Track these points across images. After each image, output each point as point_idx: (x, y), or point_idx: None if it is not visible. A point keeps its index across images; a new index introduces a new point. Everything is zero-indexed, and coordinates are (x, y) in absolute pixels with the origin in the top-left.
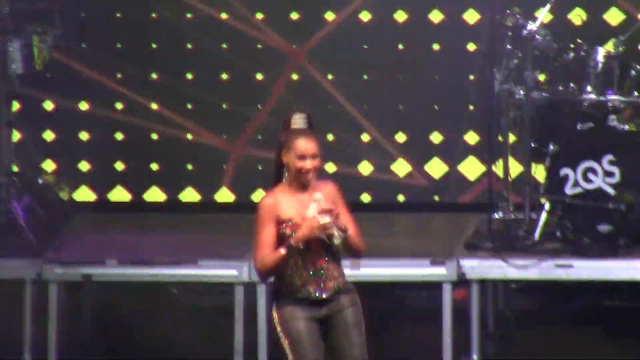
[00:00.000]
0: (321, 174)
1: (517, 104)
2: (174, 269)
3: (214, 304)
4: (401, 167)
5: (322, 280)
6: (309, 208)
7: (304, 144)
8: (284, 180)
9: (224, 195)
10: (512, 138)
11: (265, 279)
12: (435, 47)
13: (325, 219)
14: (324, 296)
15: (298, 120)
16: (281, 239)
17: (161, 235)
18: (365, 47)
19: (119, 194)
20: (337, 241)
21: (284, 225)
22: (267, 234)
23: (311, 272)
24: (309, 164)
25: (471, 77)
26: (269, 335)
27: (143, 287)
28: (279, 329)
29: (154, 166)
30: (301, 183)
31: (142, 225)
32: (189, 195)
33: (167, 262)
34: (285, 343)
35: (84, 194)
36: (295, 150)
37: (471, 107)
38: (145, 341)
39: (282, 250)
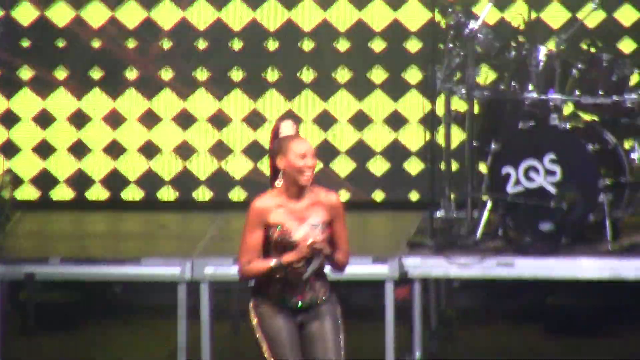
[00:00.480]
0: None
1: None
2: (117, 268)
3: (157, 302)
4: (344, 166)
5: (301, 290)
6: (301, 228)
7: (303, 144)
8: (276, 185)
9: (167, 193)
10: (454, 136)
11: (246, 282)
12: (377, 46)
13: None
14: (300, 305)
15: (286, 127)
16: (268, 243)
17: (104, 233)
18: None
19: (62, 192)
20: (305, 275)
21: (272, 229)
22: (254, 238)
23: (292, 281)
24: (309, 161)
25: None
26: (211, 333)
27: (86, 285)
28: (256, 326)
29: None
30: (300, 186)
31: (85, 223)
32: (133, 193)
33: (110, 261)
34: (262, 341)
35: (26, 193)
36: (294, 151)
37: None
38: (88, 340)
39: (271, 263)
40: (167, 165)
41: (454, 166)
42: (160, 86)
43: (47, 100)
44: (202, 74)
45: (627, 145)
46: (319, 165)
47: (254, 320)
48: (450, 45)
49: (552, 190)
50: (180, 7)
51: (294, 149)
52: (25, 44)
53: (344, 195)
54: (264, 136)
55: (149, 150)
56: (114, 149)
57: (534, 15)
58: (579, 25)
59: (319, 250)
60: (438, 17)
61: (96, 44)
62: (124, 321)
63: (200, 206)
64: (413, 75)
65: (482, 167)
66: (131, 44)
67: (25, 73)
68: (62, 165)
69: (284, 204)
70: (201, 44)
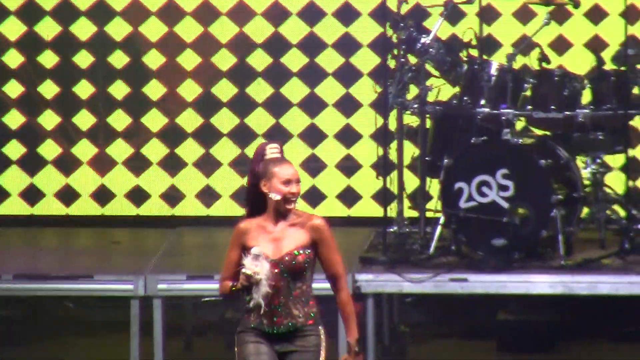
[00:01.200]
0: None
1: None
2: (70, 284)
3: (110, 319)
4: None
5: (276, 315)
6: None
7: (288, 170)
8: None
9: (124, 207)
10: (407, 151)
11: (227, 300)
12: (329, 61)
13: (247, 271)
14: (274, 331)
15: (273, 151)
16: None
17: (57, 249)
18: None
19: (13, 207)
20: (251, 304)
21: (247, 252)
22: (231, 257)
23: (269, 305)
24: (294, 188)
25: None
26: (164, 350)
27: (39, 302)
28: (235, 352)
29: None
30: (282, 212)
31: (38, 239)
32: (85, 208)
33: (63, 277)
34: None
35: None
36: (279, 176)
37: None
38: (41, 356)
39: (229, 285)
40: (121, 180)
41: (407, 181)
42: (114, 102)
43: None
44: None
45: (579, 160)
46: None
47: (236, 349)
48: (402, 60)
49: (505, 205)
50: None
51: (280, 174)
52: None
53: None
54: (216, 151)
55: (103, 164)
56: (67, 163)
57: (485, 30)
58: (530, 39)
59: (256, 281)
60: (390, 31)
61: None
62: (76, 337)
63: (153, 222)
64: (365, 90)
65: (435, 183)
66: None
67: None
68: (14, 180)
69: (264, 228)
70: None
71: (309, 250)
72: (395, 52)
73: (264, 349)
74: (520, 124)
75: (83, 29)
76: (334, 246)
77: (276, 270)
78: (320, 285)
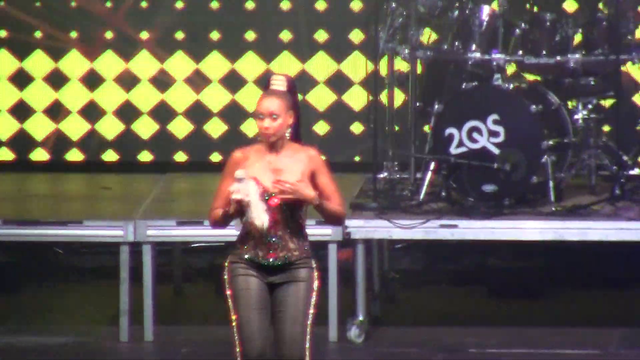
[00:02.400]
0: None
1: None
2: (59, 229)
3: (99, 264)
4: None
5: (272, 247)
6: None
7: (266, 103)
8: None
9: (110, 155)
10: (397, 97)
11: (215, 228)
12: (320, 7)
13: (237, 195)
14: (269, 263)
15: (275, 82)
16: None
17: (46, 194)
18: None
19: (3, 154)
20: (263, 224)
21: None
22: (225, 186)
23: (265, 237)
24: (266, 122)
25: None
26: (154, 295)
27: (28, 247)
28: (226, 282)
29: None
30: (266, 144)
31: (27, 184)
32: (74, 154)
33: (52, 222)
34: (230, 298)
35: None
36: (257, 109)
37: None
38: (30, 302)
39: (220, 211)
40: (110, 127)
41: (397, 127)
42: (104, 45)
43: None
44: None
45: (570, 105)
46: None
47: (225, 277)
48: (393, 5)
49: (495, 151)
50: None
51: (258, 106)
52: None
53: None
54: (205, 98)
55: (92, 111)
56: (57, 110)
57: None
58: None
59: (247, 204)
60: None
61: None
62: (66, 283)
63: (143, 168)
64: (355, 35)
65: (426, 128)
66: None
67: None
68: (4, 127)
69: (261, 157)
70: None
71: (309, 179)
72: None
73: (253, 283)
74: (511, 70)
75: None
76: (329, 176)
77: (276, 200)
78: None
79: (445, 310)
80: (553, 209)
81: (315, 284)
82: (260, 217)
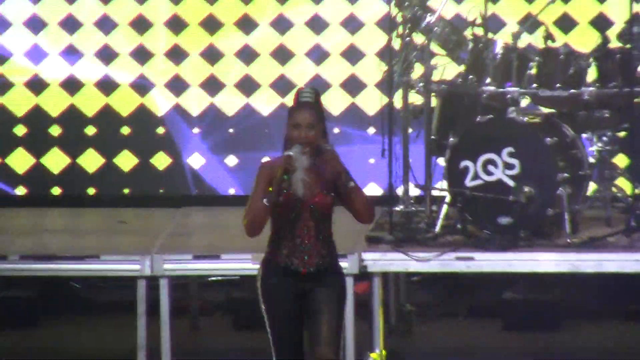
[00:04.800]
0: None
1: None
2: (76, 264)
3: (116, 299)
4: None
5: (307, 254)
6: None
7: (299, 114)
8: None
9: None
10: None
11: (250, 233)
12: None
13: (294, 152)
14: (304, 271)
15: (303, 94)
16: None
17: (63, 229)
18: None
19: (20, 188)
20: (298, 191)
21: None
22: (257, 190)
23: (299, 244)
24: (303, 132)
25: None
26: (172, 330)
27: (45, 282)
28: (260, 299)
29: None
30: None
31: (44, 219)
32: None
33: (70, 257)
34: (264, 313)
35: None
36: (291, 120)
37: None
38: (48, 336)
39: (264, 200)
40: (125, 161)
41: (413, 160)
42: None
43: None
44: None
45: (585, 138)
46: None
47: (259, 288)
48: (407, 39)
49: (511, 183)
50: None
51: (292, 118)
52: None
53: None
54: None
55: (105, 144)
56: (72, 144)
57: (490, 8)
58: (535, 18)
59: (293, 167)
60: (395, 10)
61: None
62: (83, 318)
63: (160, 201)
64: (370, 70)
65: (441, 161)
66: None
67: None
68: (20, 161)
69: None
70: None
71: (332, 193)
72: (401, 31)
73: (287, 295)
74: (525, 102)
75: None
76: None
77: (308, 212)
78: None
79: (462, 343)
80: (569, 240)
81: (346, 290)
82: (299, 186)
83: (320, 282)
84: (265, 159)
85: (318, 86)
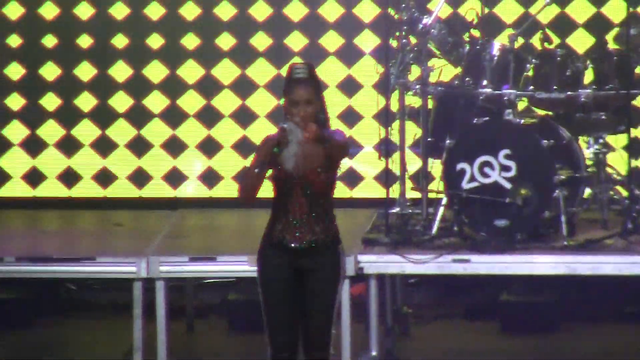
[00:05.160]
0: None
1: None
2: (72, 266)
3: (112, 300)
4: None
5: (298, 230)
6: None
7: (296, 91)
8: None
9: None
10: (409, 132)
11: (242, 199)
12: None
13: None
14: (296, 245)
15: (298, 71)
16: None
17: (59, 231)
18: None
19: (15, 189)
20: (288, 164)
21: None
22: (253, 163)
23: (291, 220)
24: (301, 110)
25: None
26: (168, 332)
27: (41, 284)
28: (258, 272)
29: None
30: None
31: (39, 221)
32: (87, 190)
33: (65, 259)
34: (259, 287)
35: None
36: (289, 98)
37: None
38: (43, 338)
39: (254, 168)
40: (123, 162)
41: (409, 162)
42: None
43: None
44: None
45: (581, 140)
46: None
47: (257, 264)
48: (404, 40)
49: (507, 185)
50: None
51: (290, 94)
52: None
53: None
54: (217, 133)
55: (105, 146)
56: (69, 145)
57: (487, 10)
58: (532, 20)
59: (286, 139)
60: (391, 12)
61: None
62: (79, 320)
63: (155, 203)
64: (367, 71)
65: (437, 163)
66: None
67: None
68: (16, 162)
69: None
70: None
71: (331, 170)
72: (397, 32)
73: (282, 274)
74: (522, 104)
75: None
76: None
77: (300, 187)
78: None
79: (459, 345)
80: (565, 243)
81: (342, 270)
82: (291, 160)
83: (315, 262)
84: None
85: None
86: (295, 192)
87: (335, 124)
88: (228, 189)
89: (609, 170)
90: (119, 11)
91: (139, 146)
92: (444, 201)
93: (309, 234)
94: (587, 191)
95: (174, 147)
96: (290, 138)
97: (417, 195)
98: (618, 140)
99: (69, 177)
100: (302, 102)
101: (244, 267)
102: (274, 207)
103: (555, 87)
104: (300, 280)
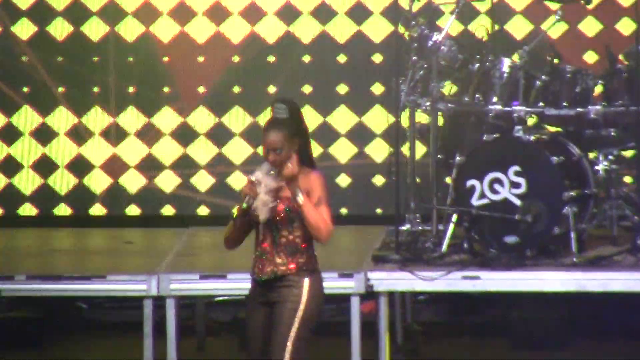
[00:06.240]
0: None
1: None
2: (83, 284)
3: (123, 319)
4: None
5: (262, 262)
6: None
7: (268, 137)
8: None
9: (131, 209)
10: (418, 149)
11: (227, 248)
12: (341, 60)
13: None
14: (261, 278)
15: (277, 110)
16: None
17: (70, 249)
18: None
19: (27, 208)
20: (261, 216)
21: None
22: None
23: (259, 252)
24: (271, 156)
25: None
26: (178, 350)
27: (51, 302)
28: None
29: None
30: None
31: (51, 239)
32: (97, 209)
33: (76, 277)
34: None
35: None
36: (264, 141)
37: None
38: (54, 357)
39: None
40: (132, 181)
41: (419, 179)
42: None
43: (12, 117)
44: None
45: (591, 156)
46: None
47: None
48: (414, 58)
49: (517, 202)
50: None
51: (264, 139)
52: None
53: None
54: (228, 150)
55: (113, 165)
56: (78, 165)
57: (497, 27)
58: (542, 37)
59: (255, 193)
60: (401, 29)
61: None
62: (89, 338)
63: (166, 222)
64: (377, 88)
65: (447, 180)
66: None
67: None
68: (27, 181)
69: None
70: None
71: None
72: (407, 50)
73: (257, 316)
74: (532, 121)
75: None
76: (325, 198)
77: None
78: None
79: None
80: (575, 260)
81: (303, 304)
82: (262, 211)
83: (278, 295)
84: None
85: (326, 101)
86: (262, 225)
87: (345, 142)
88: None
89: (618, 186)
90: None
91: (149, 165)
92: (454, 218)
93: (271, 265)
94: (597, 208)
95: (184, 165)
96: (259, 190)
97: (427, 212)
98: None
99: (79, 196)
100: (271, 148)
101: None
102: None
103: (565, 104)
104: (270, 311)
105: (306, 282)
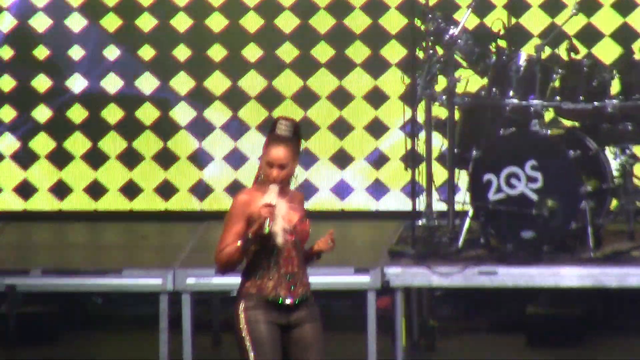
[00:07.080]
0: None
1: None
2: (99, 279)
3: (139, 314)
4: (326, 175)
5: (292, 284)
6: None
7: (275, 152)
8: (259, 180)
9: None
10: (435, 143)
11: (222, 272)
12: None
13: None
14: (292, 302)
15: (281, 127)
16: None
17: (85, 244)
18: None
19: (43, 203)
20: (280, 240)
21: (253, 221)
22: (235, 229)
23: (283, 274)
24: (274, 172)
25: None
26: (194, 345)
27: (67, 297)
28: (242, 329)
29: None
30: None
31: (66, 234)
32: (114, 202)
33: (92, 272)
34: (247, 343)
35: (7, 203)
36: (267, 156)
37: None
38: (70, 351)
39: (239, 242)
40: (148, 175)
41: (435, 174)
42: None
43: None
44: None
45: (608, 151)
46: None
47: (242, 324)
48: (431, 51)
49: (534, 197)
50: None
51: (268, 154)
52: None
53: (324, 204)
54: (243, 145)
55: (130, 158)
56: (96, 158)
57: (513, 20)
58: (558, 30)
59: (273, 215)
60: (418, 23)
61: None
62: (105, 333)
63: (182, 216)
64: (393, 82)
65: (464, 175)
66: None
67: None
68: (43, 175)
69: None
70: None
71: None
72: (424, 43)
73: (273, 333)
74: (548, 115)
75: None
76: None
77: (290, 242)
78: None
79: (485, 358)
80: (592, 255)
81: (319, 317)
82: (280, 236)
83: (305, 315)
84: (241, 195)
85: (340, 98)
86: (291, 247)
87: (362, 135)
88: None
89: (635, 181)
90: (145, 22)
91: (165, 158)
92: (471, 213)
93: (301, 287)
94: (614, 202)
95: (200, 159)
96: (277, 213)
97: (443, 207)
98: None
99: (95, 190)
100: (277, 165)
101: None
102: (258, 262)
103: (581, 98)
104: (289, 333)
105: (312, 298)
